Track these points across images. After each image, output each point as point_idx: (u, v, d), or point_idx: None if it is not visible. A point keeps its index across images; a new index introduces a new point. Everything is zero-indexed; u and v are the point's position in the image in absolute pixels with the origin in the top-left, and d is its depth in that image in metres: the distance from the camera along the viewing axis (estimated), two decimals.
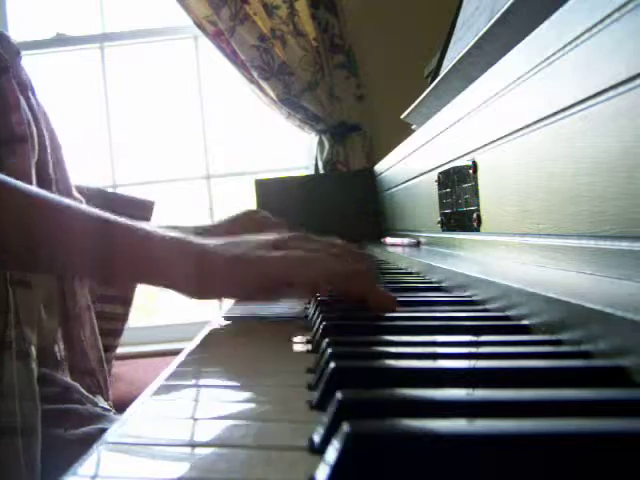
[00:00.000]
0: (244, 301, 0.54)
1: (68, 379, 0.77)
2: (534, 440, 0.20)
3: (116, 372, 1.38)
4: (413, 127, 1.25)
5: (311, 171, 2.08)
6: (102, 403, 0.78)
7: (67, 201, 0.58)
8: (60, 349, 0.78)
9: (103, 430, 0.27)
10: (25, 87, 0.78)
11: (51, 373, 0.74)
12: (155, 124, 2.38)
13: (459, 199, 0.74)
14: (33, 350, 0.66)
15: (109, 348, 1.05)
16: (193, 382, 0.36)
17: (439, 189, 0.85)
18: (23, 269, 0.64)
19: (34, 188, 0.58)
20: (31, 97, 0.79)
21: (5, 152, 0.69)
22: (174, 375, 0.37)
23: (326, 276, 0.49)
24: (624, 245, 0.37)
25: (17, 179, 0.58)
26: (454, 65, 0.80)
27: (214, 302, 0.56)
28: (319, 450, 0.23)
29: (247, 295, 0.53)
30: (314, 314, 0.51)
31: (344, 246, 0.54)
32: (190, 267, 0.52)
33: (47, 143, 0.80)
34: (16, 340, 0.64)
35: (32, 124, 0.76)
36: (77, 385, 0.76)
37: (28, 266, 0.60)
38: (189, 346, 0.46)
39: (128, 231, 0.54)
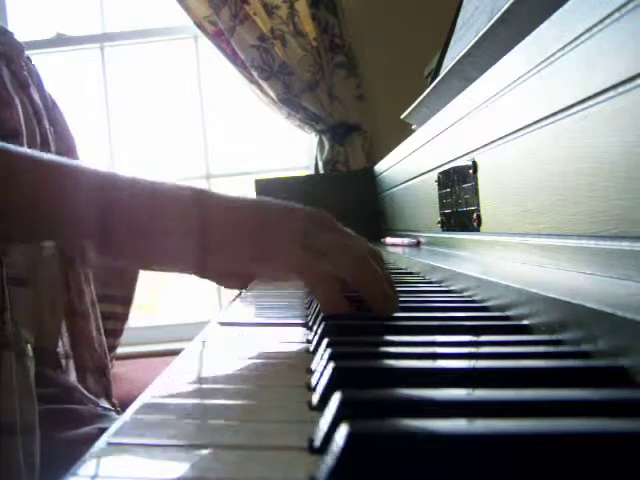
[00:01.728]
0: (243, 270, 0.52)
1: (69, 379, 0.77)
2: (534, 440, 0.20)
3: (116, 372, 1.38)
4: (413, 127, 1.25)
5: (311, 171, 2.08)
6: (103, 403, 0.78)
7: (71, 161, 0.56)
8: (63, 348, 0.78)
9: (104, 430, 0.27)
10: (25, 84, 0.78)
11: (52, 373, 0.74)
12: (155, 124, 2.38)
13: (459, 199, 0.74)
14: (29, 349, 0.66)
15: (109, 348, 1.05)
16: (193, 382, 0.36)
17: (439, 189, 0.85)
18: (30, 236, 0.60)
19: (42, 153, 0.56)
20: (33, 93, 0.79)
21: None
22: (173, 375, 0.37)
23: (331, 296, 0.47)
24: (624, 245, 0.37)
25: None
26: (454, 65, 0.80)
27: (214, 301, 0.55)
28: (319, 450, 0.23)
29: (247, 265, 0.51)
30: (314, 314, 0.50)
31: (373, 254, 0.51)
32: (187, 234, 0.49)
33: (51, 139, 0.80)
34: (13, 338, 0.64)
35: (33, 119, 0.76)
36: (78, 385, 0.76)
37: (35, 232, 0.56)
38: (188, 346, 0.46)
39: (126, 186, 0.52)
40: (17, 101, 0.73)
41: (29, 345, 0.66)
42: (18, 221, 0.53)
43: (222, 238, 0.49)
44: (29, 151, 0.55)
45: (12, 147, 0.53)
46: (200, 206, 0.50)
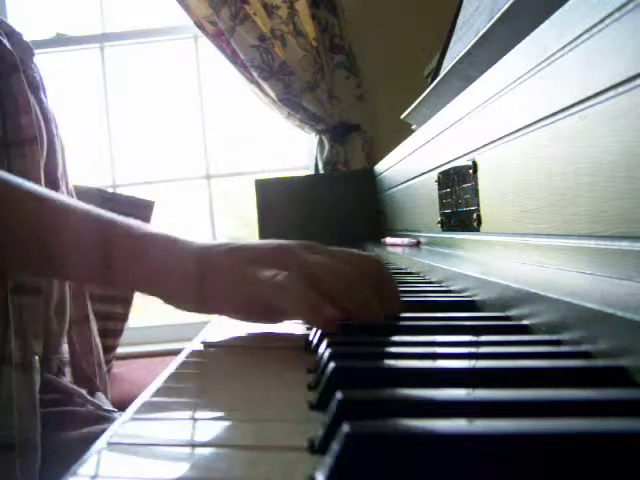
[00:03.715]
0: (242, 320, 0.51)
1: (70, 384, 0.76)
2: (534, 440, 0.20)
3: (116, 372, 1.38)
4: (413, 127, 1.25)
5: (311, 171, 2.08)
6: (107, 405, 0.78)
7: (74, 201, 0.57)
8: (64, 353, 0.78)
9: (105, 430, 0.27)
10: (37, 87, 0.77)
11: (55, 379, 0.74)
12: (155, 124, 2.38)
13: (459, 199, 0.74)
14: (36, 360, 0.65)
15: (109, 348, 1.05)
16: (194, 381, 0.36)
17: (439, 189, 0.85)
18: (28, 272, 0.63)
19: (42, 188, 0.57)
20: (43, 97, 0.79)
21: (14, 154, 0.69)
22: (174, 374, 0.37)
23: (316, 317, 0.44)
24: (624, 245, 0.37)
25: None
26: (454, 65, 0.80)
27: None
28: (319, 450, 0.23)
29: (244, 315, 0.50)
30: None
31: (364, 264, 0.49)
32: (187, 274, 0.49)
33: (58, 144, 0.79)
34: (19, 352, 0.63)
35: (42, 125, 0.75)
36: (80, 390, 0.75)
37: (33, 269, 0.58)
38: (189, 346, 0.46)
39: (128, 232, 0.52)
40: (34, 105, 0.73)
41: (37, 357, 0.65)
42: (13, 252, 0.54)
43: (215, 279, 0.49)
44: (32, 188, 0.55)
45: (13, 180, 0.54)
46: (186, 250, 0.50)
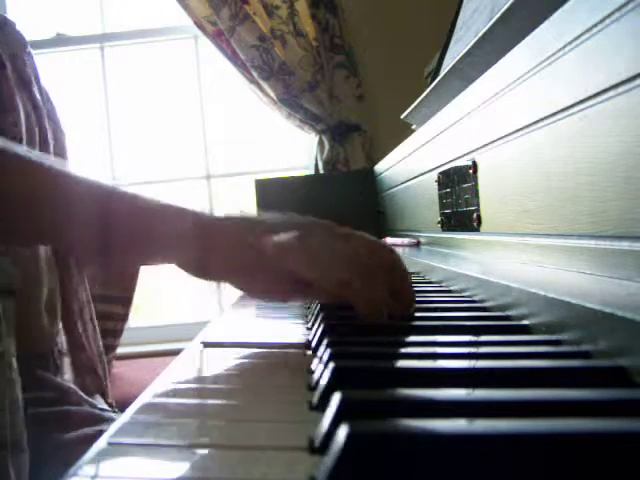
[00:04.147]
0: (248, 293, 0.49)
1: (66, 381, 0.76)
2: (534, 440, 0.20)
3: (116, 372, 1.38)
4: (413, 127, 1.25)
5: (311, 171, 2.08)
6: (102, 404, 0.78)
7: (78, 172, 0.55)
8: (59, 350, 0.77)
9: (102, 431, 0.27)
10: (28, 81, 0.77)
11: (50, 377, 0.74)
12: (155, 124, 2.38)
13: (459, 199, 0.74)
14: (14, 362, 0.65)
15: (109, 348, 1.05)
16: (194, 381, 0.36)
17: (439, 189, 0.85)
18: (25, 240, 0.59)
19: (40, 154, 0.54)
20: (35, 90, 0.78)
21: None
22: (174, 375, 0.37)
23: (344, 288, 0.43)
24: (624, 245, 0.37)
25: None
26: (454, 65, 0.80)
27: (214, 304, 0.53)
28: (319, 450, 0.23)
29: (252, 285, 0.49)
30: (313, 314, 0.50)
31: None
32: (190, 237, 0.48)
33: (50, 137, 0.79)
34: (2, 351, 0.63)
35: (33, 119, 0.75)
36: (75, 388, 0.75)
37: (30, 237, 0.55)
38: (189, 346, 0.46)
39: (126, 198, 0.51)
40: (20, 104, 0.73)
41: (14, 358, 0.65)
42: (15, 222, 0.52)
43: (221, 249, 0.48)
44: (30, 154, 0.53)
45: (11, 147, 0.52)
46: (198, 219, 0.49)
